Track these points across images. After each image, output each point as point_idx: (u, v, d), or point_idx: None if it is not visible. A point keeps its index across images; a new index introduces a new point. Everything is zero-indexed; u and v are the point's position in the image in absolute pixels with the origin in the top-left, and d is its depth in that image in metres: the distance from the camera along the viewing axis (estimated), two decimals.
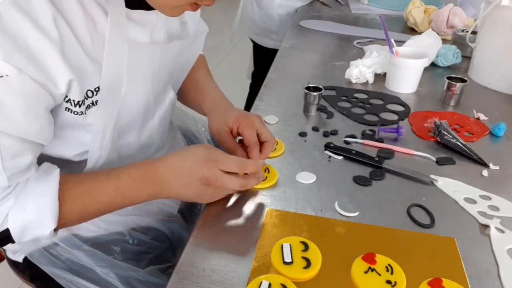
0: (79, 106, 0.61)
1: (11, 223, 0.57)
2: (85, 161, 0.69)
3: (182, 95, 0.92)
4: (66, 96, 0.59)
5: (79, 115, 0.61)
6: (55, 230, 0.61)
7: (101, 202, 0.63)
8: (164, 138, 0.86)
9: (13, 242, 0.59)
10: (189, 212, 0.92)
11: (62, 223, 0.61)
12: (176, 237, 0.84)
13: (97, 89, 0.62)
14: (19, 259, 0.78)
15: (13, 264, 0.83)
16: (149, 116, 0.77)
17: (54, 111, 0.60)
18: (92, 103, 0.62)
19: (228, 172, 0.63)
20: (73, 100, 0.59)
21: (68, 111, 0.60)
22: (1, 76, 0.51)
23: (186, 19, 0.74)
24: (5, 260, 0.87)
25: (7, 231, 0.58)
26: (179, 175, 0.63)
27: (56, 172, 0.61)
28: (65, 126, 0.63)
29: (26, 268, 0.80)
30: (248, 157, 0.71)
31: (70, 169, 0.66)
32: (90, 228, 0.77)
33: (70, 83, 0.57)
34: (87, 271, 0.74)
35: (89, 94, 0.61)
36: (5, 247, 0.81)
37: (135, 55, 0.65)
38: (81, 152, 0.68)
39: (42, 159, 0.64)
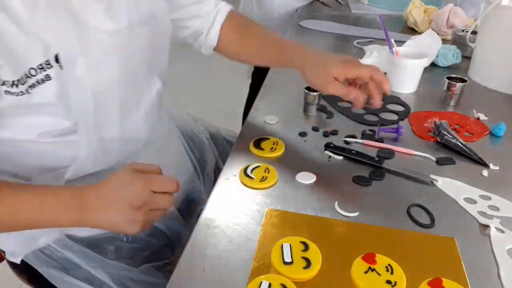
0: (16, 86, 0.58)
1: None
2: (70, 152, 0.67)
3: (258, 54, 0.90)
4: (0, 80, 0.56)
5: (21, 95, 0.58)
6: None
7: (21, 216, 0.60)
8: (155, 132, 0.85)
9: None
10: (187, 209, 0.91)
11: None
12: (175, 235, 0.84)
13: (40, 67, 0.59)
14: (17, 260, 0.78)
15: (12, 265, 0.83)
16: (131, 108, 0.75)
17: None
18: (38, 81, 0.59)
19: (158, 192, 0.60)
20: (7, 81, 0.57)
21: (7, 93, 0.58)
22: None
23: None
24: (5, 260, 0.87)
25: None
26: (107, 202, 0.59)
27: None
28: (12, 110, 0.60)
29: (24, 269, 0.80)
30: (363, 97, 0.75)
31: (55, 158, 0.64)
32: (84, 229, 0.76)
33: None
34: (80, 271, 0.74)
35: (32, 72, 0.58)
36: (4, 249, 0.80)
37: (88, 36, 0.63)
38: (46, 132, 0.65)
39: (10, 147, 0.62)
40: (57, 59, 0.60)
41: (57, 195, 0.61)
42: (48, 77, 0.60)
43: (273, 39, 0.92)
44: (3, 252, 0.83)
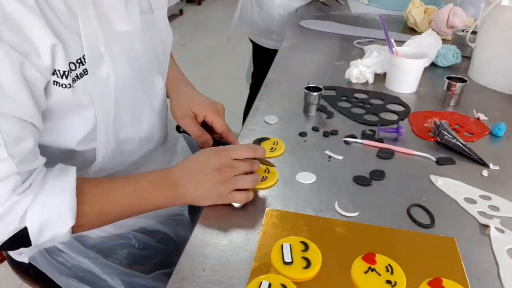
0: (66, 78, 0.59)
1: (29, 221, 0.55)
2: (91, 154, 0.68)
3: None
4: (53, 69, 0.57)
5: (67, 88, 0.60)
6: (72, 232, 0.59)
7: (119, 204, 0.62)
8: (165, 130, 0.86)
9: (28, 244, 0.57)
10: (192, 213, 0.91)
11: (79, 224, 0.59)
12: (182, 240, 0.84)
13: (79, 61, 0.60)
14: (25, 260, 0.78)
15: (16, 264, 0.83)
16: (143, 106, 0.75)
17: (45, 91, 0.59)
18: (77, 76, 0.61)
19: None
20: (59, 71, 0.58)
21: (56, 84, 0.59)
22: None
23: None
24: (5, 261, 0.87)
25: (24, 230, 0.55)
26: (194, 173, 0.64)
27: (72, 170, 0.60)
28: (58, 108, 0.61)
29: (30, 267, 0.79)
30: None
31: (78, 162, 0.65)
32: (95, 232, 0.76)
33: (54, 49, 0.56)
34: (93, 278, 0.73)
35: (72, 66, 0.60)
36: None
37: (112, 37, 0.65)
38: (83, 138, 0.66)
39: (49, 155, 0.62)
40: (84, 58, 0.61)
41: (147, 177, 0.64)
42: (85, 72, 0.61)
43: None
44: (7, 252, 0.83)
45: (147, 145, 0.79)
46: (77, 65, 0.60)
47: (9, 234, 0.55)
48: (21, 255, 0.79)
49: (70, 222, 0.57)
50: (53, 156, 0.64)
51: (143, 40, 0.73)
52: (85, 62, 0.61)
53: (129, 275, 0.74)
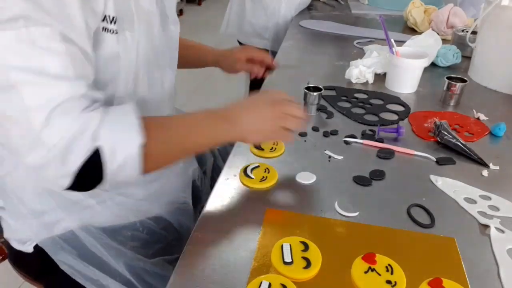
0: (114, 23, 0.61)
1: (102, 140, 0.55)
2: None
3: (181, 60, 0.92)
4: (103, 15, 0.60)
5: (115, 33, 0.62)
6: (143, 171, 0.59)
7: (180, 133, 0.64)
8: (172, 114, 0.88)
9: (100, 176, 0.56)
10: (195, 203, 0.92)
11: (147, 151, 0.58)
12: (185, 229, 0.85)
13: (114, 18, 0.62)
14: (29, 248, 0.77)
15: (17, 259, 0.82)
16: (156, 87, 0.77)
17: (94, 37, 0.60)
18: (113, 31, 0.63)
19: None
20: (109, 16, 0.60)
21: (105, 30, 0.61)
22: None
23: None
24: (5, 261, 0.87)
25: (97, 153, 0.55)
26: (249, 107, 0.68)
27: (130, 103, 0.61)
28: (106, 56, 0.63)
29: (33, 262, 0.79)
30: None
31: None
32: (105, 215, 0.76)
33: None
34: (97, 260, 0.74)
35: (116, 17, 0.62)
36: (15, 237, 0.78)
37: (141, 11, 0.67)
38: (113, 92, 0.67)
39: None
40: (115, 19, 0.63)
41: (202, 112, 0.67)
42: (122, 28, 0.64)
43: (185, 44, 0.99)
44: (6, 244, 0.82)
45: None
46: (117, 19, 0.63)
47: (82, 157, 0.54)
48: (26, 244, 0.77)
49: (138, 139, 0.57)
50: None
51: (159, 25, 0.74)
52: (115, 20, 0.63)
53: (132, 259, 0.75)
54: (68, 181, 0.55)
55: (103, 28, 0.61)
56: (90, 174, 0.56)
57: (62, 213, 0.73)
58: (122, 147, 0.56)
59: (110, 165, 0.56)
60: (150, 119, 0.61)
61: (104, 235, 0.75)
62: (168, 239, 0.82)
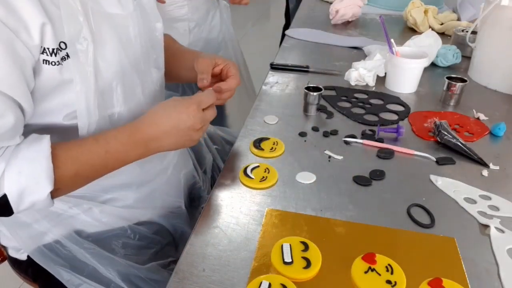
0: (55, 55, 0.60)
1: (7, 187, 0.56)
2: (76, 128, 0.68)
3: (174, 71, 0.92)
4: (42, 48, 0.58)
5: (56, 65, 0.60)
6: (52, 197, 0.60)
7: (93, 165, 0.64)
8: None
9: (10, 211, 0.58)
10: (189, 206, 0.91)
11: (57, 188, 0.59)
12: (179, 232, 0.84)
13: (71, 41, 0.61)
14: (23, 256, 0.78)
15: (16, 262, 0.83)
16: (135, 91, 0.75)
17: (34, 71, 0.59)
18: (66, 55, 0.61)
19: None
20: (48, 49, 0.59)
21: (45, 63, 0.60)
22: None
23: None
24: (5, 261, 0.87)
25: (4, 197, 0.56)
26: (168, 132, 0.67)
27: (46, 137, 0.61)
28: (46, 86, 0.62)
29: (29, 267, 0.79)
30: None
31: (62, 137, 0.65)
32: (93, 223, 0.76)
33: (43, 28, 0.57)
34: (88, 268, 0.74)
35: (62, 46, 0.61)
36: (8, 245, 0.80)
37: (103, 21, 0.66)
38: (69, 113, 0.67)
39: (34, 132, 0.63)
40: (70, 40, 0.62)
41: (117, 138, 0.66)
42: (73, 53, 0.62)
43: (184, 55, 0.94)
44: (5, 249, 0.82)
45: None
46: (67, 45, 0.61)
47: None
48: (19, 251, 0.79)
49: (48, 187, 0.58)
50: (38, 132, 0.64)
51: (138, 27, 0.73)
52: (72, 44, 0.62)
53: (125, 266, 0.74)
54: None
55: (43, 60, 0.59)
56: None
57: (48, 224, 0.74)
58: (29, 195, 0.58)
59: (17, 208, 0.58)
60: (63, 151, 0.61)
61: (94, 245, 0.75)
62: (162, 243, 0.81)
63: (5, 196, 0.56)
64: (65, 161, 0.61)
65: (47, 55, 0.59)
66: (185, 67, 0.90)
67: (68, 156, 0.62)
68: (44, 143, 0.60)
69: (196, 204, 0.94)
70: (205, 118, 0.69)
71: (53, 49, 0.59)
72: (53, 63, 0.60)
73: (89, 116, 0.67)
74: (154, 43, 0.80)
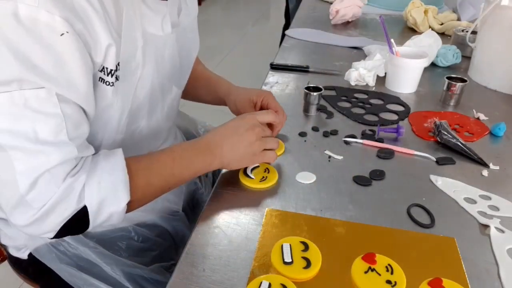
0: (111, 76, 0.61)
1: (88, 199, 0.56)
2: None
3: (192, 90, 0.94)
4: (102, 66, 0.59)
5: (110, 86, 0.62)
6: (126, 211, 0.60)
7: (162, 174, 0.65)
8: (171, 131, 0.89)
9: (85, 226, 0.58)
10: (191, 211, 0.92)
11: (131, 199, 0.60)
12: (179, 235, 0.85)
13: (118, 65, 0.63)
14: (24, 255, 0.78)
15: (16, 262, 0.83)
16: (157, 106, 0.77)
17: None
18: (117, 78, 0.63)
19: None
20: (107, 68, 0.60)
21: (101, 81, 0.61)
22: (62, 34, 0.51)
23: (181, 5, 0.76)
24: (6, 261, 0.87)
25: (83, 210, 0.56)
26: (228, 135, 0.69)
27: (119, 150, 0.62)
28: (98, 105, 0.63)
29: (30, 265, 0.79)
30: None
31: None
32: None
33: (108, 48, 0.58)
34: (94, 268, 0.74)
35: (117, 67, 0.62)
36: (11, 244, 0.80)
37: (147, 43, 0.67)
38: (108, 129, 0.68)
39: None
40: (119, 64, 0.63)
41: (181, 146, 0.70)
42: (124, 75, 0.64)
43: (206, 76, 0.99)
44: (4, 247, 0.82)
45: (153, 140, 0.81)
46: (118, 67, 0.63)
47: (67, 218, 0.56)
48: (20, 250, 0.78)
49: (125, 197, 0.59)
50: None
51: (172, 48, 0.75)
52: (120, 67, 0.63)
53: (129, 266, 0.75)
54: (52, 235, 0.58)
55: (99, 78, 0.61)
56: (75, 227, 0.58)
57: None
58: (108, 206, 0.58)
59: (94, 221, 0.58)
60: (134, 163, 0.62)
61: (98, 246, 0.75)
62: (164, 246, 0.82)
63: (85, 208, 0.56)
64: (137, 172, 0.62)
65: (105, 74, 0.61)
66: (206, 93, 0.96)
67: (139, 167, 0.63)
68: (118, 155, 0.61)
69: (197, 210, 0.94)
70: (264, 129, 0.71)
71: (111, 70, 0.61)
72: (108, 83, 0.62)
73: (116, 134, 0.69)
74: (184, 67, 0.83)
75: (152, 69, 0.70)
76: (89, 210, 0.57)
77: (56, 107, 0.53)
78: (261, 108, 0.84)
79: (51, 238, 0.59)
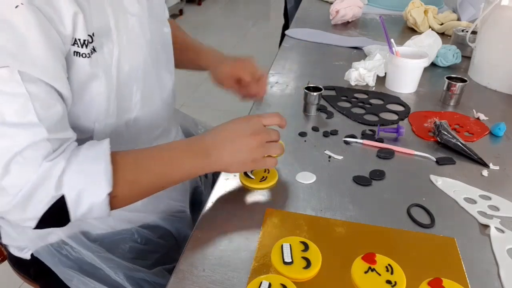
0: (86, 47, 0.59)
1: (66, 188, 0.54)
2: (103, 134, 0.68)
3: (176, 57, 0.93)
4: (73, 39, 0.58)
5: (87, 57, 0.60)
6: (110, 207, 0.58)
7: (151, 172, 0.62)
8: (171, 123, 0.88)
9: (66, 218, 0.55)
10: (192, 212, 0.92)
11: (114, 194, 0.57)
12: (182, 236, 0.84)
13: (93, 35, 0.61)
14: (27, 256, 0.78)
15: (17, 262, 0.83)
16: (154, 95, 0.76)
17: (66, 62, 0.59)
18: (93, 49, 0.61)
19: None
20: (79, 40, 0.58)
21: (76, 54, 0.59)
22: (16, 6, 0.49)
23: None
24: (5, 261, 0.87)
25: (61, 200, 0.54)
26: (228, 139, 0.64)
27: (106, 140, 0.59)
28: (78, 80, 0.61)
29: (31, 266, 0.79)
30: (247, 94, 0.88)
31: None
32: (99, 226, 0.76)
33: (75, 17, 0.56)
34: (96, 271, 0.73)
35: (91, 38, 0.60)
36: (13, 244, 0.79)
37: (124, 21, 0.66)
38: (98, 114, 0.66)
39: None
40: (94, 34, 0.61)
41: (178, 145, 0.67)
42: (100, 46, 0.62)
43: (189, 45, 1.00)
44: (5, 247, 0.82)
45: (152, 130, 0.80)
46: (94, 37, 0.61)
47: (47, 205, 0.54)
48: (23, 251, 0.78)
49: (106, 188, 0.55)
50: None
51: (151, 30, 0.73)
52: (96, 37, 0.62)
53: (132, 270, 0.74)
54: (33, 223, 0.56)
55: (74, 52, 0.59)
56: (56, 217, 0.56)
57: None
58: (88, 196, 0.55)
59: (74, 212, 0.56)
60: (121, 157, 0.59)
61: (101, 249, 0.75)
62: (167, 248, 0.81)
63: (63, 198, 0.54)
64: (123, 166, 0.59)
65: (78, 46, 0.59)
66: (188, 60, 0.97)
67: (127, 161, 0.60)
68: (104, 144, 0.58)
69: (197, 208, 0.93)
70: (266, 130, 0.66)
71: (84, 40, 0.59)
72: (84, 55, 0.60)
73: (107, 117, 0.67)
74: (165, 47, 0.81)
75: (135, 50, 0.68)
76: (67, 199, 0.54)
77: (20, 86, 0.51)
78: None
79: (34, 228, 0.56)
